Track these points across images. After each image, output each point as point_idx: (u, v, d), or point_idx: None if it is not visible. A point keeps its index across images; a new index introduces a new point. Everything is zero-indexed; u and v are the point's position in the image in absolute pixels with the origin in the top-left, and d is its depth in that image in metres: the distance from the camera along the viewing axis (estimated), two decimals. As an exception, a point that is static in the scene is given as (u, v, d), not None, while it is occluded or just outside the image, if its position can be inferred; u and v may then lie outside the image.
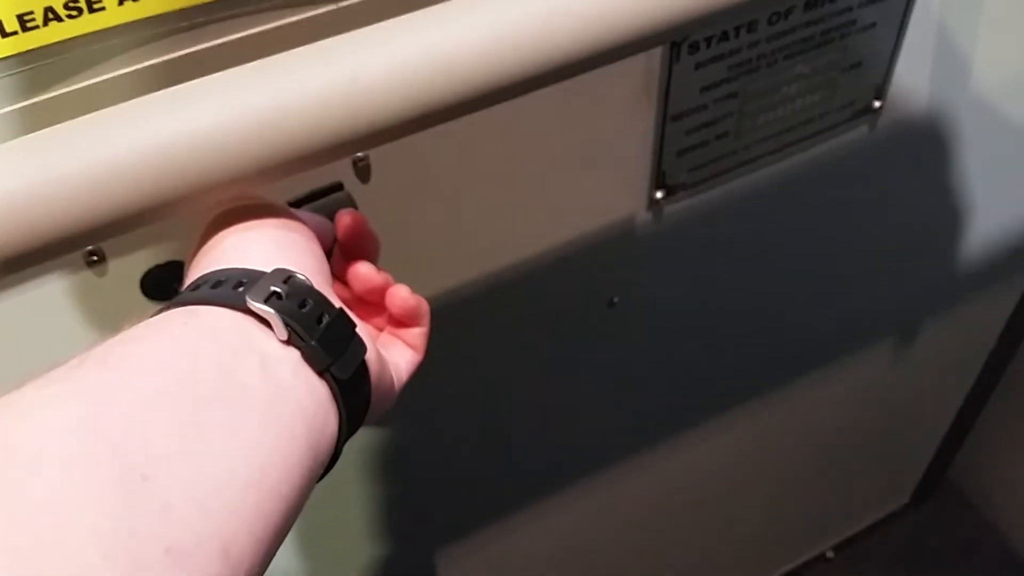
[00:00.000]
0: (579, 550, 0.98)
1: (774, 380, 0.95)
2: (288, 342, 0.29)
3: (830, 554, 1.37)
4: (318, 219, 0.39)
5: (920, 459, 1.35)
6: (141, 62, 0.39)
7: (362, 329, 0.33)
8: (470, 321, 0.62)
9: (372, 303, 0.39)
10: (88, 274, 0.45)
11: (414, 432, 0.69)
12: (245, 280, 0.30)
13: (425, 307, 0.39)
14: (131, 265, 0.46)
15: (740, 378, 0.91)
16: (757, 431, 1.00)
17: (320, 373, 0.30)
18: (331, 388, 0.30)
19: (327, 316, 0.30)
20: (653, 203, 0.64)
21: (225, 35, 0.39)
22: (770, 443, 1.04)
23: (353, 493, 0.71)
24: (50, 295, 0.45)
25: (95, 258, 0.44)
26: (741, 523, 1.17)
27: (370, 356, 0.32)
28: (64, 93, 0.38)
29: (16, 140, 0.32)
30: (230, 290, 0.30)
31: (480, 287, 0.61)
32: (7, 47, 0.36)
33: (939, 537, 1.42)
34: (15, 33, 0.36)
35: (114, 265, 0.45)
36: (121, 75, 0.39)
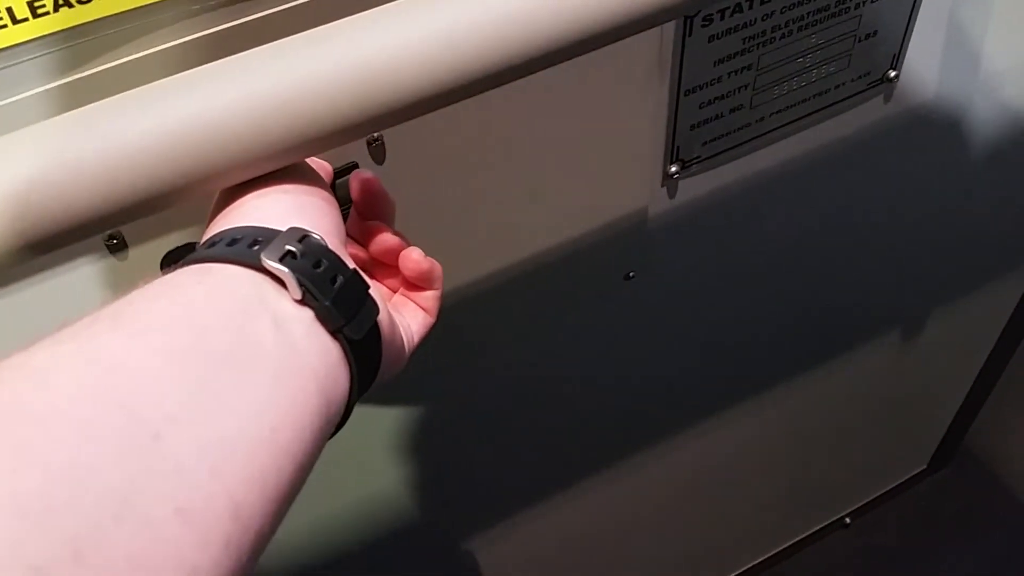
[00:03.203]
0: (603, 525, 0.99)
1: (791, 351, 0.95)
2: (302, 301, 0.29)
3: (848, 520, 1.38)
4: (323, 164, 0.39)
5: (938, 425, 1.35)
6: (174, 40, 0.39)
7: (375, 290, 0.33)
8: (487, 298, 0.63)
9: (387, 264, 0.39)
10: (110, 260, 0.45)
11: (437, 409, 0.69)
12: (260, 238, 0.30)
13: (438, 270, 0.39)
14: (151, 250, 0.46)
15: (757, 350, 0.91)
16: (775, 401, 1.00)
17: (333, 333, 0.29)
18: (343, 348, 0.30)
19: (341, 277, 0.30)
20: (667, 177, 0.63)
21: (260, 10, 0.40)
22: (788, 412, 1.04)
23: (381, 473, 0.72)
24: (73, 281, 0.45)
25: (115, 241, 0.45)
26: (760, 491, 1.17)
27: (382, 318, 0.33)
28: (100, 71, 0.39)
29: (42, 122, 0.32)
30: (245, 248, 0.29)
31: (496, 264, 0.62)
32: (45, 25, 0.37)
33: (956, 502, 1.42)
34: (47, 13, 0.37)
35: (135, 251, 0.46)
36: (154, 52, 0.39)
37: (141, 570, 0.21)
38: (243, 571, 0.25)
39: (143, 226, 0.44)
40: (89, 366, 0.24)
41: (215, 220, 0.33)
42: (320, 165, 0.40)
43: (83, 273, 0.45)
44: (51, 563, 0.20)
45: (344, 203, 0.39)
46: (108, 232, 0.44)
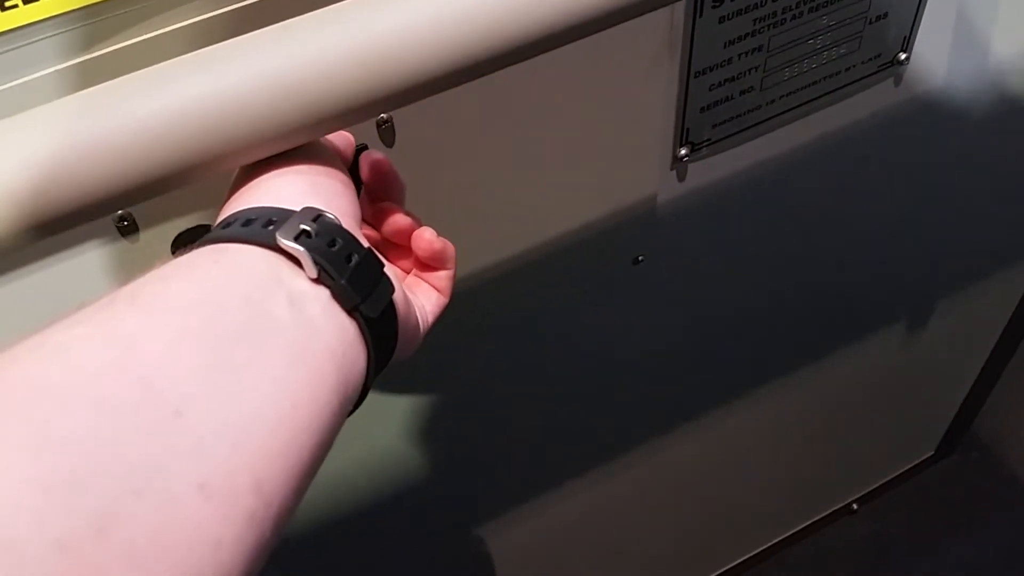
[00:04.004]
0: (609, 511, 0.99)
1: (798, 337, 0.95)
2: (317, 280, 0.29)
3: (855, 506, 1.38)
4: (344, 138, 0.39)
5: (945, 412, 1.35)
6: (189, 19, 0.39)
7: (389, 270, 0.33)
8: (495, 281, 0.63)
9: (399, 245, 0.39)
10: (121, 242, 0.45)
11: (443, 393, 0.69)
12: (275, 218, 0.30)
13: (451, 250, 0.39)
14: (162, 233, 0.46)
15: (764, 336, 0.91)
16: (783, 387, 1.00)
17: (349, 311, 0.30)
18: (359, 327, 0.30)
19: (356, 255, 0.30)
20: (677, 160, 0.63)
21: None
22: (796, 399, 1.04)
23: (384, 459, 0.72)
24: (84, 264, 0.45)
25: (125, 223, 0.45)
26: (768, 477, 1.17)
27: (397, 296, 0.33)
28: (114, 51, 0.39)
29: (55, 101, 0.32)
30: (260, 228, 0.30)
31: (504, 247, 0.62)
32: (58, 5, 0.37)
33: (963, 488, 1.42)
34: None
35: (145, 233, 0.46)
36: (169, 32, 0.39)
37: (164, 545, 0.22)
38: (266, 546, 0.25)
39: (154, 209, 0.45)
40: (107, 346, 0.24)
41: (231, 200, 0.34)
42: (345, 139, 0.39)
43: (94, 256, 0.45)
44: (74, 538, 0.20)
45: (355, 185, 0.39)
46: (119, 214, 0.44)
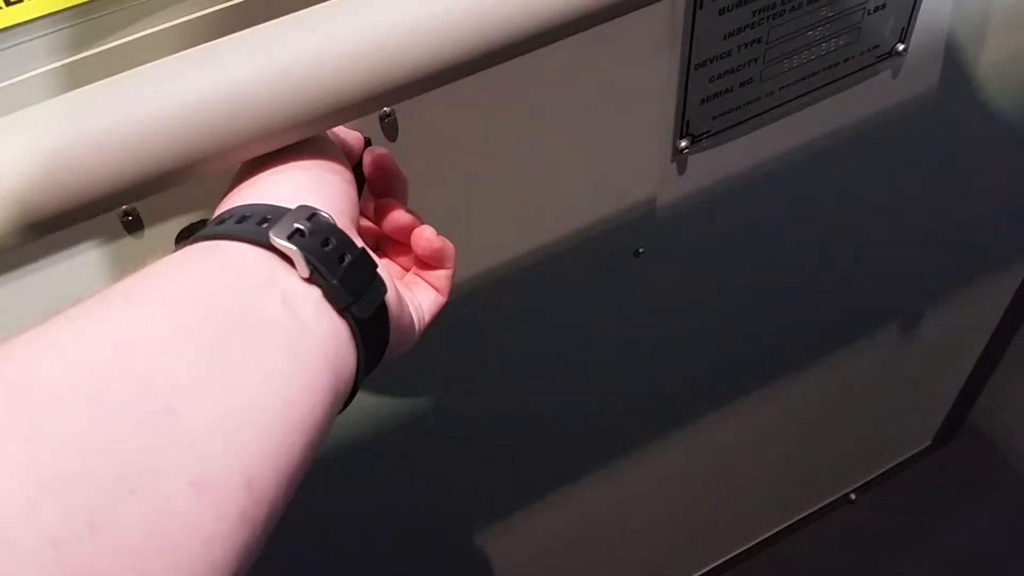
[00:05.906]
0: (608, 504, 0.99)
1: (797, 328, 0.95)
2: (310, 280, 0.29)
3: (853, 496, 1.38)
4: (354, 135, 0.39)
5: (942, 403, 1.35)
6: (185, 15, 0.39)
7: (384, 269, 0.33)
8: (494, 275, 0.63)
9: (399, 242, 0.39)
10: (126, 238, 0.45)
11: (447, 388, 0.70)
12: (270, 216, 0.30)
13: (450, 249, 0.39)
14: (166, 229, 0.46)
15: (764, 327, 0.91)
16: (781, 379, 1.00)
17: (341, 311, 0.30)
18: (351, 327, 0.30)
19: (349, 255, 0.30)
20: (677, 152, 0.63)
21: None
22: (794, 391, 1.04)
23: (372, 454, 0.72)
24: (89, 260, 0.45)
25: (130, 219, 0.45)
26: (767, 468, 1.18)
27: (390, 297, 0.33)
28: (111, 48, 0.38)
29: (54, 99, 0.32)
30: (254, 226, 0.30)
31: (503, 240, 0.62)
32: (54, 3, 0.37)
33: (960, 478, 1.43)
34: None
35: (150, 230, 0.46)
36: (167, 28, 0.39)
37: (157, 542, 0.22)
38: (257, 544, 0.25)
39: (159, 205, 0.44)
40: (102, 342, 0.24)
41: (231, 194, 0.34)
42: (354, 136, 0.39)
43: (99, 252, 0.45)
44: (68, 535, 0.20)
45: (358, 180, 0.39)
46: (123, 209, 0.44)
